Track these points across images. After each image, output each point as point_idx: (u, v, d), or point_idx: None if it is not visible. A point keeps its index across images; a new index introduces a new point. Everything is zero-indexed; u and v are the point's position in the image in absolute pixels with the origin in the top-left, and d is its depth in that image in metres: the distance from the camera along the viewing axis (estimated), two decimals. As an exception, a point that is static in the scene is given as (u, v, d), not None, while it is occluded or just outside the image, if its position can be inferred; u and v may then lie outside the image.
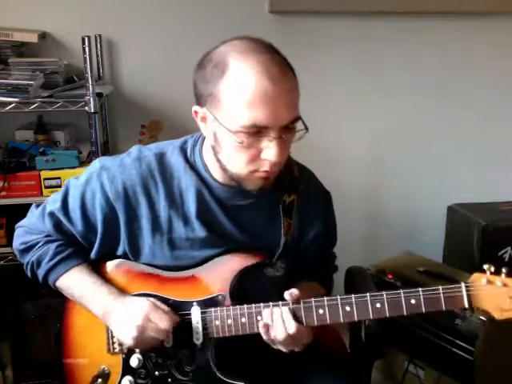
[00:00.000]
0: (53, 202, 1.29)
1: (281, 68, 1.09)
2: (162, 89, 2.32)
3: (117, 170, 1.22)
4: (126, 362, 1.24)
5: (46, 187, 1.91)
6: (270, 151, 1.10)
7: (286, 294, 1.15)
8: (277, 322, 1.13)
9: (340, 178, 2.41)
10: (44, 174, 1.92)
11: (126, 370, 1.24)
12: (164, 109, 2.32)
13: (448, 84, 2.54)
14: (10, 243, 1.91)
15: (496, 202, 2.51)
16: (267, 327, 1.14)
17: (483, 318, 1.77)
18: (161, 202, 1.22)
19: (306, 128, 1.13)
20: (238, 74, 1.06)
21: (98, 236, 1.25)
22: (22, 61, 2.02)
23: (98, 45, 2.22)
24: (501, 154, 2.68)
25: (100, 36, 2.22)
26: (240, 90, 1.06)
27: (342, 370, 1.32)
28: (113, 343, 1.26)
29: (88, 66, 1.87)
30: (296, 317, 1.14)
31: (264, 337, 1.15)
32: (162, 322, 1.17)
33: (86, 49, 1.87)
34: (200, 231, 1.23)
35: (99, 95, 1.93)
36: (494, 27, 2.52)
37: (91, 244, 1.27)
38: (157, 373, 1.23)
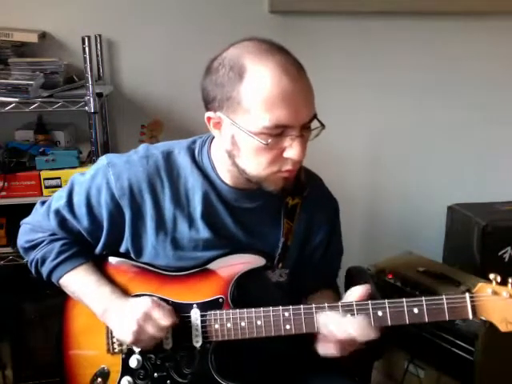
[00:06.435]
0: (58, 198, 1.28)
1: (297, 67, 1.10)
2: (162, 89, 2.32)
3: (123, 167, 1.22)
4: (125, 362, 1.24)
5: (46, 187, 1.91)
6: (292, 150, 1.10)
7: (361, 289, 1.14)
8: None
9: (340, 178, 2.40)
10: (44, 173, 1.92)
11: (126, 370, 1.24)
12: (164, 109, 2.31)
13: (448, 84, 2.54)
14: (10, 243, 1.93)
15: (496, 202, 2.51)
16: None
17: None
18: (166, 201, 1.22)
19: (322, 125, 1.14)
20: (258, 76, 1.06)
21: (104, 232, 1.24)
22: (22, 61, 2.01)
23: (98, 45, 2.21)
24: (501, 155, 2.67)
25: (100, 36, 2.22)
26: (261, 92, 1.06)
27: (342, 370, 1.32)
28: (112, 343, 1.25)
29: (88, 66, 1.87)
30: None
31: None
32: (164, 319, 1.16)
33: (86, 49, 1.86)
34: (204, 232, 1.22)
35: (99, 95, 1.92)
36: (494, 27, 2.51)
37: (98, 240, 1.26)
38: (156, 374, 1.23)
